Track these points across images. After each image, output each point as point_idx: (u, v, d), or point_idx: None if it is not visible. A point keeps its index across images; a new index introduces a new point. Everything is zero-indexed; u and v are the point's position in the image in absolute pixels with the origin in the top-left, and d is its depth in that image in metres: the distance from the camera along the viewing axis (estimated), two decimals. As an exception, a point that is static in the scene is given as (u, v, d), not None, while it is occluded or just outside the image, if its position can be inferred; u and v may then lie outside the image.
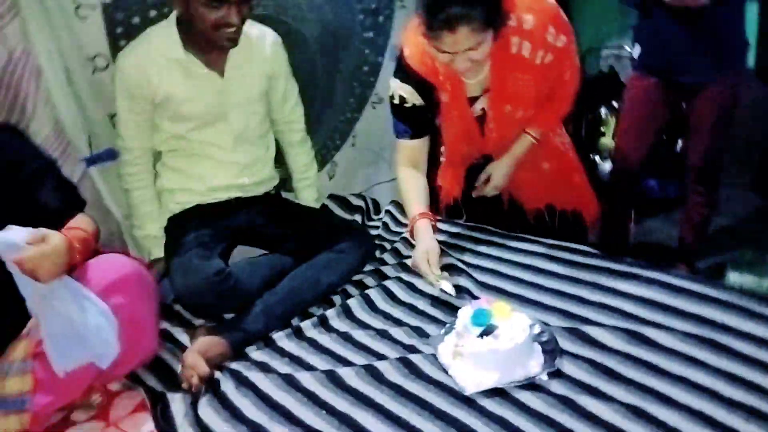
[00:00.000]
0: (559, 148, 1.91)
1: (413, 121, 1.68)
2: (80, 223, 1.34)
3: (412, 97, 1.64)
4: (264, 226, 1.86)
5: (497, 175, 1.80)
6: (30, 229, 1.16)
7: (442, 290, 1.55)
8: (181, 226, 1.76)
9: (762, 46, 2.82)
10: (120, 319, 1.28)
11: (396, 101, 1.66)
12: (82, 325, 1.21)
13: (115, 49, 1.74)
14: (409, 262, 1.76)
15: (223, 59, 1.72)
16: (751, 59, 2.87)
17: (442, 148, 1.90)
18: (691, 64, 2.02)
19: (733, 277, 2.32)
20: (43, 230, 1.18)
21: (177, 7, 1.60)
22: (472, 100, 1.70)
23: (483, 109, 1.71)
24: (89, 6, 1.67)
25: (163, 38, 1.66)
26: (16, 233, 1.14)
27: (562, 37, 1.56)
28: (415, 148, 1.72)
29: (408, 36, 1.61)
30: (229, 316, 1.65)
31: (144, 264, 1.50)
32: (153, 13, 1.77)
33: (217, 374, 1.42)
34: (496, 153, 1.84)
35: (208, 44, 1.66)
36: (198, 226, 1.74)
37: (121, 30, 1.75)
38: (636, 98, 2.20)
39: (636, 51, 2.16)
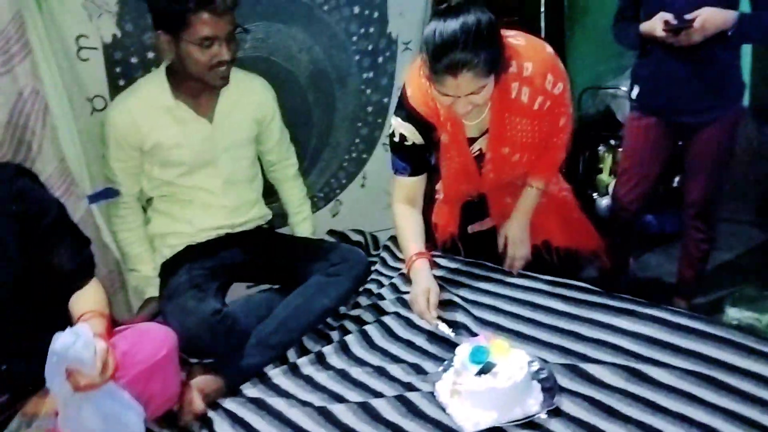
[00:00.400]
0: (556, 194, 1.94)
1: (412, 158, 1.69)
2: (97, 302, 1.35)
3: (413, 136, 1.65)
4: (257, 260, 1.85)
5: (513, 234, 1.80)
6: (95, 343, 1.16)
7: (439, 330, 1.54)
8: (174, 270, 1.75)
9: (756, 84, 2.87)
10: (151, 396, 1.32)
11: (396, 139, 1.67)
12: (111, 424, 1.20)
13: (114, 89, 1.78)
14: (407, 297, 1.76)
15: (212, 105, 1.74)
16: (745, 98, 2.92)
17: (438, 186, 1.91)
18: (691, 104, 2.03)
19: (732, 313, 2.31)
20: (103, 347, 1.18)
21: (168, 54, 1.63)
22: (471, 141, 1.73)
23: (480, 149, 1.74)
24: (91, 48, 1.71)
25: (152, 87, 1.69)
26: (87, 350, 1.13)
27: (559, 85, 1.60)
28: (413, 185, 1.73)
29: (411, 76, 1.62)
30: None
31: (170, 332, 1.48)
32: (151, 54, 1.81)
33: (211, 413, 1.41)
34: (491, 192, 1.86)
35: (199, 90, 1.69)
36: (190, 268, 1.73)
37: (120, 70, 1.79)
38: (635, 138, 2.20)
39: (634, 92, 2.17)
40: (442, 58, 1.38)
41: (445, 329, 1.52)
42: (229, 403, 1.45)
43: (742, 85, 2.09)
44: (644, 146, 2.17)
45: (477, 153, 1.75)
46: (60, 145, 1.60)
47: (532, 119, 1.63)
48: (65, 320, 1.29)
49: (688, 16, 1.85)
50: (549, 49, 1.61)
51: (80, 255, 1.39)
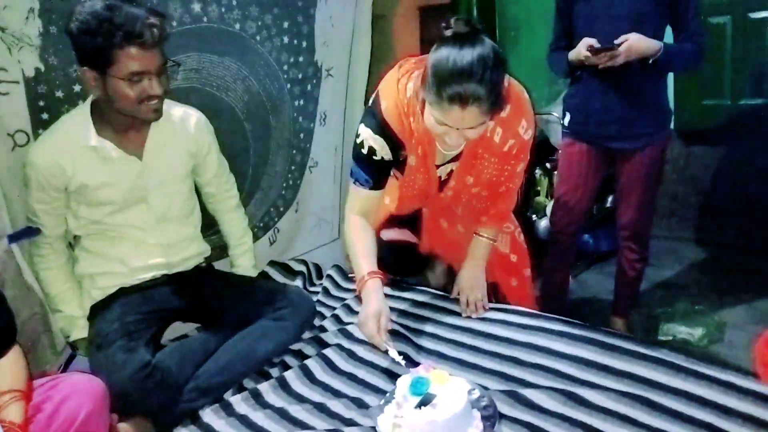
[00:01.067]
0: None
1: (377, 172, 1.63)
2: (15, 377, 1.27)
3: (383, 151, 1.59)
4: (196, 303, 1.77)
5: (464, 283, 1.77)
6: None
7: (391, 358, 1.50)
8: (105, 316, 1.66)
9: (679, 107, 3.02)
10: None
11: (365, 151, 1.60)
12: None
13: (37, 123, 1.70)
14: (350, 328, 1.74)
15: (140, 141, 1.66)
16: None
17: (387, 200, 1.86)
18: (621, 130, 2.10)
19: (666, 329, 2.39)
20: None
21: (94, 90, 1.54)
22: (436, 167, 1.72)
23: (441, 176, 1.73)
24: (11, 81, 1.63)
25: (75, 126, 1.60)
26: None
27: (529, 132, 1.63)
28: (371, 198, 1.67)
29: (388, 90, 1.57)
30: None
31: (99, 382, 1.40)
32: (77, 87, 1.74)
33: None
34: (433, 211, 1.88)
35: (126, 126, 1.62)
36: (123, 314, 1.64)
37: (44, 104, 1.71)
38: (569, 164, 2.24)
39: (566, 119, 2.22)
40: (453, 87, 1.33)
41: (395, 355, 1.49)
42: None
43: (669, 112, 2.18)
44: (578, 171, 2.23)
45: (439, 178, 1.74)
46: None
47: (499, 159, 1.65)
48: None
49: (617, 41, 1.92)
50: (526, 95, 1.63)
51: (2, 322, 1.30)
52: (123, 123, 1.62)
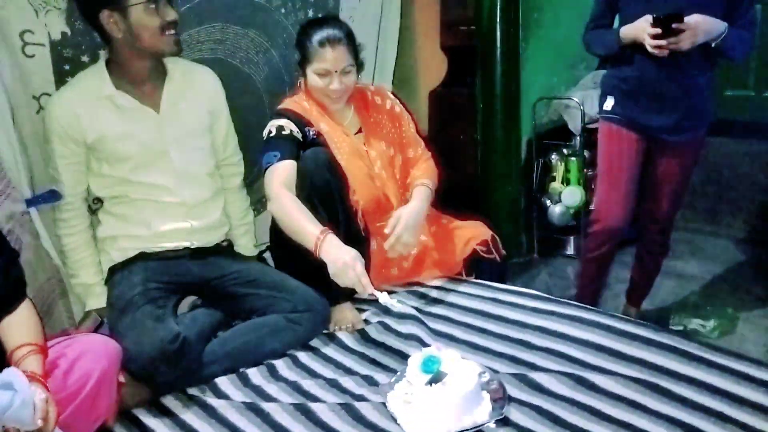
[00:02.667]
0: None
1: (285, 145, 1.75)
2: (31, 330, 1.28)
3: (290, 125, 1.79)
4: (216, 282, 1.74)
5: (406, 218, 1.73)
6: (34, 396, 1.12)
7: (385, 304, 1.53)
8: (127, 278, 1.65)
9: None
10: (99, 415, 1.29)
11: (273, 132, 1.77)
12: None
13: (62, 87, 1.70)
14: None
15: (158, 94, 1.68)
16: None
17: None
18: (675, 121, 1.92)
19: (678, 320, 2.39)
20: (42, 398, 1.13)
21: (116, 32, 1.57)
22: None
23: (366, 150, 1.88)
24: (37, 44, 1.64)
25: (91, 78, 1.63)
26: (26, 409, 1.09)
27: (396, 99, 2.00)
28: (286, 167, 1.71)
29: (283, 102, 1.89)
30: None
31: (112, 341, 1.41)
32: (102, 52, 1.73)
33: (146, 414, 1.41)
34: (396, 202, 1.85)
35: (141, 79, 1.65)
36: (145, 280, 1.63)
37: (69, 68, 1.72)
38: (616, 155, 2.03)
39: (609, 103, 2.01)
40: (319, 33, 1.77)
41: (386, 299, 1.51)
42: (170, 401, 1.43)
43: (713, 105, 2.02)
44: (628, 164, 2.02)
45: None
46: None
47: (389, 116, 1.95)
48: None
49: (682, 26, 1.73)
50: None
51: (8, 275, 1.30)
52: (139, 74, 1.64)
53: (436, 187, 1.92)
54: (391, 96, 2.02)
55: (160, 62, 1.70)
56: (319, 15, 2.30)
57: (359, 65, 1.86)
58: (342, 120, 1.90)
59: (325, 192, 1.70)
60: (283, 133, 1.77)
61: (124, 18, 1.55)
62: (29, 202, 1.63)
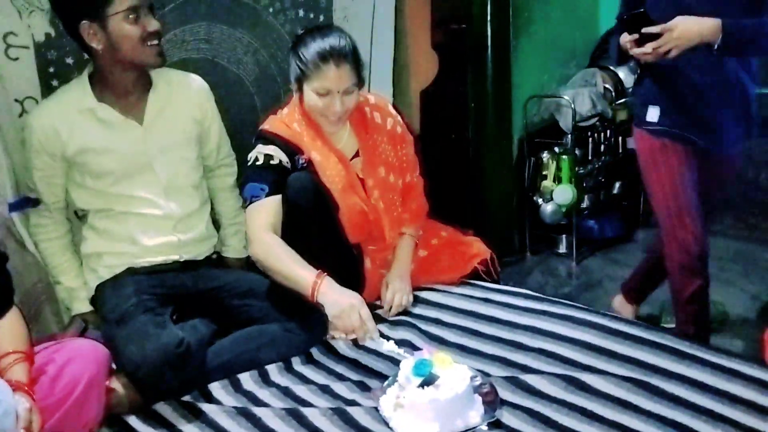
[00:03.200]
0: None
1: (273, 177, 1.64)
2: (16, 338, 1.26)
3: (278, 154, 1.66)
4: (208, 293, 1.70)
5: (393, 284, 1.73)
6: (18, 406, 1.11)
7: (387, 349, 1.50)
8: (118, 292, 1.61)
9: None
10: (87, 421, 1.27)
11: (260, 162, 1.65)
12: None
13: (47, 90, 1.69)
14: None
15: (141, 106, 1.64)
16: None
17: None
18: (724, 131, 1.76)
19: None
20: (26, 408, 1.12)
21: (97, 43, 1.53)
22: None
23: (359, 176, 1.76)
24: (21, 46, 1.62)
25: (73, 91, 1.60)
26: (8, 418, 1.08)
27: (398, 116, 1.86)
28: (272, 207, 1.63)
29: (267, 121, 1.75)
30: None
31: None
32: (87, 55, 1.72)
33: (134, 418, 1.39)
34: (390, 235, 1.80)
35: (125, 91, 1.61)
36: (137, 292, 1.59)
37: (54, 70, 1.70)
38: (676, 174, 1.78)
39: (652, 114, 1.79)
40: (321, 45, 1.60)
41: (392, 347, 1.48)
42: (161, 407, 1.42)
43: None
44: (689, 180, 1.80)
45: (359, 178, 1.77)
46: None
47: (389, 138, 1.82)
48: None
49: (653, 29, 1.59)
50: None
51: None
52: (123, 86, 1.61)
53: (421, 223, 1.89)
54: (392, 111, 1.87)
55: (145, 73, 1.66)
56: (311, 15, 2.26)
57: (361, 82, 1.71)
58: (337, 142, 1.76)
59: (314, 216, 1.64)
60: (272, 162, 1.65)
61: (104, 29, 1.51)
62: (11, 207, 1.61)
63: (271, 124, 1.73)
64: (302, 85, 1.66)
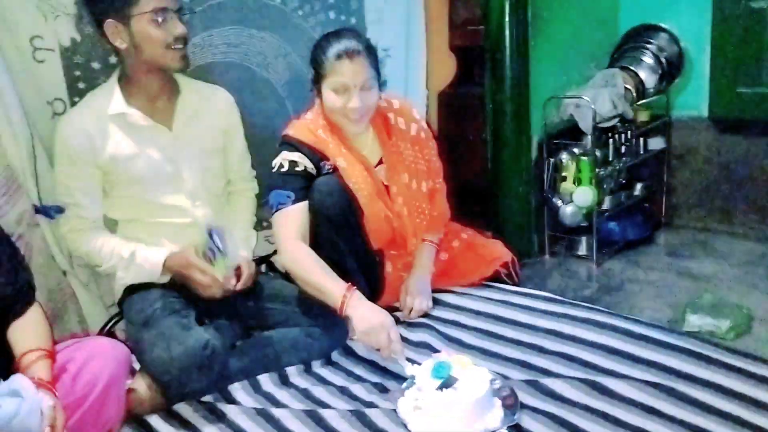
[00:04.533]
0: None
1: (298, 184, 1.65)
2: (39, 336, 1.27)
3: (303, 161, 1.66)
4: (232, 298, 1.66)
5: (413, 288, 1.72)
6: (41, 404, 1.11)
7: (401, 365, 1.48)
8: (143, 296, 1.60)
9: (714, 95, 2.94)
10: (108, 419, 1.28)
11: (285, 168, 1.66)
12: None
13: (74, 92, 1.71)
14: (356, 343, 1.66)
15: (170, 112, 1.65)
16: (704, 108, 2.99)
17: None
18: None
19: (693, 320, 2.35)
20: (50, 405, 1.13)
21: (120, 42, 1.54)
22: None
23: (385, 185, 1.77)
24: (47, 49, 1.65)
25: (103, 97, 1.60)
26: (33, 417, 1.08)
27: (422, 121, 1.87)
28: (299, 214, 1.63)
29: (290, 126, 1.75)
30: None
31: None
32: (113, 59, 1.74)
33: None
34: (412, 242, 1.80)
35: (154, 95, 1.62)
36: (164, 295, 1.59)
37: (80, 73, 1.72)
38: None
39: None
40: (336, 46, 1.61)
41: (408, 368, 1.44)
42: (181, 407, 1.43)
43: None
44: None
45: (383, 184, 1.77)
46: (6, 151, 1.54)
47: (412, 143, 1.82)
48: (4, 350, 1.24)
49: None
50: None
51: (17, 279, 1.30)
52: (151, 91, 1.61)
53: (442, 230, 1.90)
54: (416, 116, 1.86)
55: (172, 78, 1.67)
56: (341, 17, 2.25)
57: (381, 82, 1.71)
58: (362, 147, 1.76)
59: (340, 220, 1.65)
60: (297, 169, 1.66)
61: (128, 28, 1.52)
62: (37, 210, 1.63)
63: (295, 130, 1.72)
64: (321, 86, 1.67)
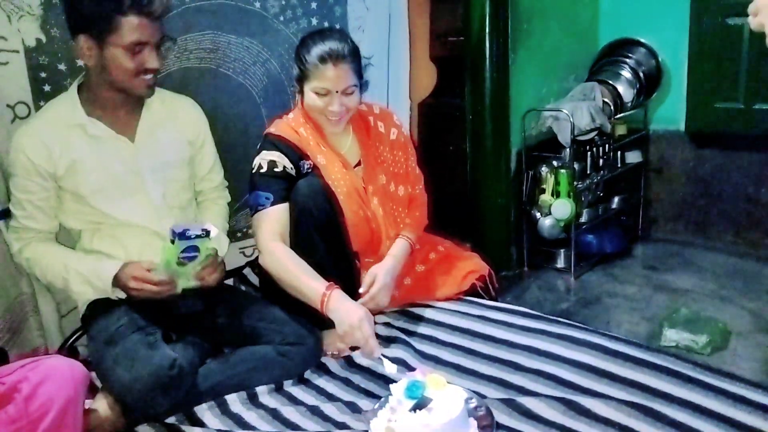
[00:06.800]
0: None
1: (277, 185, 1.63)
2: None
3: (283, 161, 1.65)
4: (202, 313, 1.63)
5: (381, 278, 1.66)
6: None
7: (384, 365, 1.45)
8: (109, 312, 1.54)
9: (691, 109, 2.96)
10: None
11: (264, 169, 1.64)
12: None
13: (38, 95, 1.66)
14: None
15: (133, 123, 1.59)
16: (682, 122, 3.02)
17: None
18: None
19: (670, 335, 2.35)
20: None
21: (88, 59, 1.48)
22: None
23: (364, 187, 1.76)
24: (10, 50, 1.59)
25: (62, 106, 1.53)
26: None
27: (402, 127, 1.89)
28: (279, 215, 1.62)
29: (273, 124, 1.74)
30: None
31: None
32: (81, 62, 1.67)
33: None
34: (387, 244, 1.78)
35: (116, 106, 1.56)
36: (129, 310, 1.53)
37: (45, 75, 1.67)
38: None
39: None
40: (321, 47, 1.61)
41: (388, 366, 1.43)
42: (145, 429, 1.37)
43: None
44: None
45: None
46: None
47: (391, 147, 1.82)
48: None
49: None
50: None
51: None
52: (113, 102, 1.55)
53: (421, 232, 1.87)
54: (397, 122, 1.87)
55: None
56: (324, 23, 2.23)
57: (363, 84, 1.72)
58: (341, 147, 1.77)
59: (323, 222, 1.63)
60: (276, 170, 1.64)
61: (100, 50, 1.46)
62: (1, 214, 1.56)
63: (277, 127, 1.73)
64: (303, 85, 1.67)
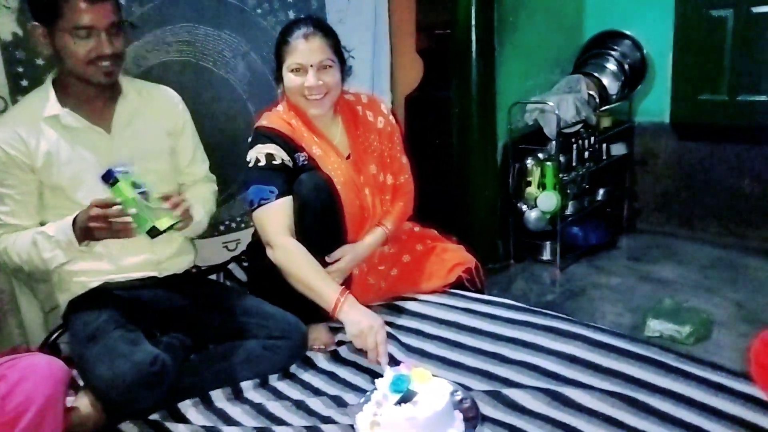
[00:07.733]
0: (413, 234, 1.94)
1: (279, 178, 1.60)
2: None
3: (280, 153, 1.62)
4: (186, 309, 1.62)
5: (348, 256, 1.67)
6: None
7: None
8: (90, 308, 1.52)
9: (675, 102, 2.98)
10: None
11: (262, 162, 1.61)
12: None
13: (16, 90, 1.63)
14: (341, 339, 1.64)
15: (109, 114, 1.56)
16: (666, 114, 3.03)
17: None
18: None
19: (654, 325, 2.37)
20: None
21: (44, 47, 1.46)
22: None
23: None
24: (-14, 45, 1.57)
25: (38, 99, 1.50)
26: None
27: (390, 116, 1.86)
28: (284, 208, 1.60)
29: (264, 116, 1.71)
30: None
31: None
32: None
33: None
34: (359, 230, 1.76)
35: (91, 98, 1.53)
36: (110, 306, 1.51)
37: (22, 70, 1.64)
38: None
39: None
40: (294, 29, 1.62)
41: (387, 373, 1.38)
42: (128, 426, 1.35)
43: None
44: None
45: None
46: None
47: (379, 136, 1.81)
48: None
49: None
50: None
51: None
52: (87, 93, 1.52)
53: (402, 224, 1.87)
54: (384, 111, 1.85)
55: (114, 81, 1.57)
56: (302, 16, 2.22)
57: (345, 68, 1.70)
58: (332, 138, 1.74)
59: (326, 215, 1.62)
60: (275, 163, 1.61)
61: (51, 37, 1.43)
62: None
63: (269, 120, 1.69)
64: (282, 72, 1.66)
